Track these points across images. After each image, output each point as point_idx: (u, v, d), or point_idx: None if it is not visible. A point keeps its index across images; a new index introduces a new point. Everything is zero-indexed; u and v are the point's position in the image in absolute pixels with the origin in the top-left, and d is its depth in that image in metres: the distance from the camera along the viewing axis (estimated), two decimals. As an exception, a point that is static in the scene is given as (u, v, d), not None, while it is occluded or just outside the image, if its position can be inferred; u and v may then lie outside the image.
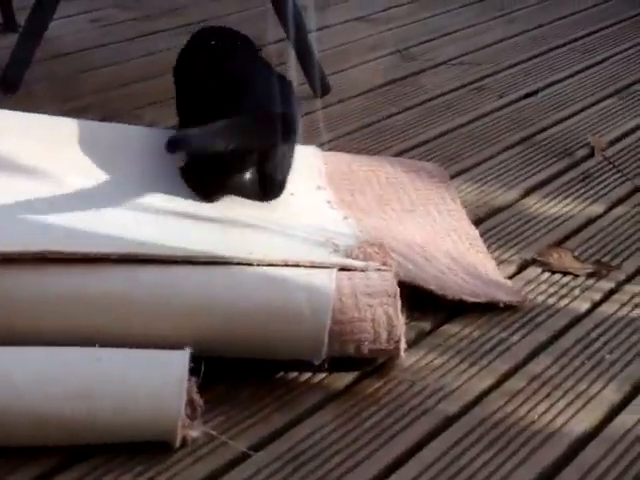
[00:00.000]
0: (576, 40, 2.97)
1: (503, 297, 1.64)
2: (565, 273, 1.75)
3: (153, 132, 1.97)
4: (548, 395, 1.44)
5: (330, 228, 1.63)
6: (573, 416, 1.40)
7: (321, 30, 2.97)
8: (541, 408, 1.42)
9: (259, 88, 1.73)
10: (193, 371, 1.31)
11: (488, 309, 1.63)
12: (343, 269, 1.47)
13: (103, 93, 2.44)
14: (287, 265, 1.44)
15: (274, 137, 1.64)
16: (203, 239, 1.53)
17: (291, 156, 1.73)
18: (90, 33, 2.88)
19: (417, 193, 1.90)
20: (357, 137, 2.26)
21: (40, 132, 1.80)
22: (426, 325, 1.60)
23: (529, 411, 1.41)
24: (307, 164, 1.88)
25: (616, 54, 2.86)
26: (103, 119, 2.24)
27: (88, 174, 1.72)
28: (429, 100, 2.50)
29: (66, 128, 1.84)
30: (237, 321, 1.39)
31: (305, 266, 1.45)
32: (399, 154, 2.18)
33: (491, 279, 1.69)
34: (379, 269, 1.48)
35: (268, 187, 1.70)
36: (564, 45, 2.93)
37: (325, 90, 2.48)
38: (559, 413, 1.41)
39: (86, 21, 2.97)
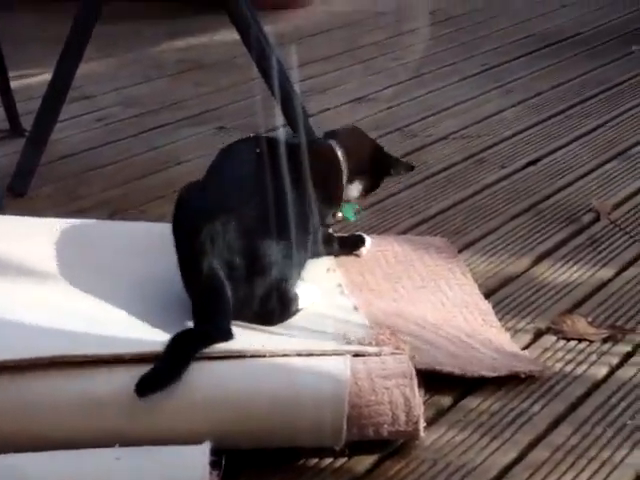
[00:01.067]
0: (573, 106, 3.00)
1: (523, 368, 1.64)
2: (580, 339, 1.75)
3: (158, 227, 1.99)
4: (572, 465, 1.43)
5: (341, 318, 1.65)
6: (599, 485, 1.39)
7: (322, 112, 3.01)
8: (566, 479, 1.40)
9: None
10: (214, 464, 1.31)
11: (506, 380, 1.62)
12: (357, 355, 1.47)
13: (109, 191, 2.47)
14: (300, 355, 1.45)
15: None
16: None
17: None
18: (95, 132, 2.93)
19: (427, 269, 1.91)
20: (364, 217, 2.27)
21: (45, 236, 1.82)
22: (445, 401, 1.59)
23: (554, 483, 1.40)
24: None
25: (613, 118, 2.89)
26: (110, 217, 2.28)
27: (94, 275, 1.74)
28: (432, 175, 2.52)
29: (71, 230, 1.87)
30: (255, 413, 1.39)
31: (318, 355, 1.46)
32: (406, 231, 2.19)
33: (507, 351, 1.69)
34: (393, 353, 1.48)
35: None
36: (562, 112, 2.96)
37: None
38: (585, 483, 1.40)
39: (91, 121, 3.02)
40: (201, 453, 1.30)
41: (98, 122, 3.01)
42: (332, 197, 1.83)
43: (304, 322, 1.63)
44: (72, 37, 2.44)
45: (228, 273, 1.58)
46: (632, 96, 3.06)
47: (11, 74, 2.83)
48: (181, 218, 1.66)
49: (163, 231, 1.93)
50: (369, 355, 1.47)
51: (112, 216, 2.28)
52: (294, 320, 1.65)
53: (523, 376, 1.63)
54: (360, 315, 1.69)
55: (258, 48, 2.47)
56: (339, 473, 1.43)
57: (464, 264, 1.98)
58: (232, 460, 1.34)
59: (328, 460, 1.45)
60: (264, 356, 1.44)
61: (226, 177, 1.69)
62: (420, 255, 1.97)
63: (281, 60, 2.61)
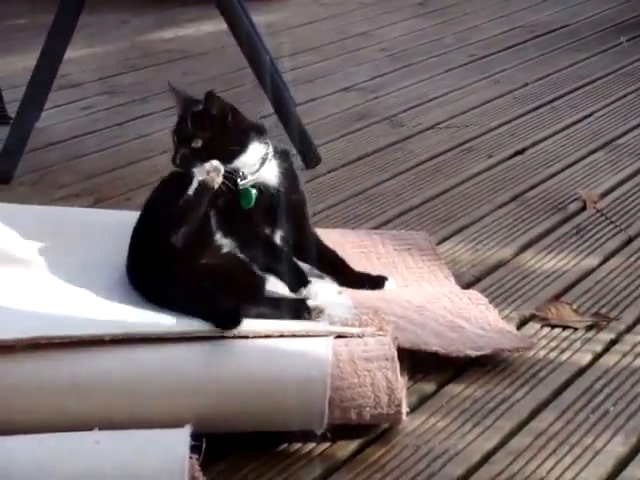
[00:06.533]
0: (560, 97, 3.00)
1: (508, 345, 1.63)
2: (565, 327, 1.75)
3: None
4: (554, 451, 1.43)
5: (325, 299, 1.63)
6: (581, 471, 1.39)
7: (310, 102, 3.01)
8: (548, 465, 1.40)
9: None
10: (194, 449, 1.30)
11: (491, 365, 1.62)
12: (340, 336, 1.46)
13: (95, 179, 2.46)
14: (283, 336, 1.44)
15: None
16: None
17: None
18: (81, 121, 2.91)
19: (409, 271, 1.88)
20: (350, 205, 2.27)
21: (28, 222, 1.81)
22: (429, 387, 1.59)
23: (536, 469, 1.40)
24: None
25: (600, 109, 2.89)
26: (94, 204, 2.27)
27: (78, 261, 1.73)
28: (419, 164, 2.52)
29: (55, 217, 1.86)
30: (236, 395, 1.39)
31: (301, 336, 1.45)
32: (392, 219, 2.19)
33: (494, 327, 1.68)
34: (376, 334, 1.48)
35: None
36: (548, 103, 2.96)
37: (316, 161, 2.50)
38: (566, 469, 1.39)
39: (77, 109, 3.01)
40: (181, 437, 1.29)
41: (84, 110, 2.99)
42: None
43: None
44: (57, 24, 2.43)
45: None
46: (619, 87, 3.06)
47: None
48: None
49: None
50: (351, 336, 1.46)
51: (97, 204, 2.28)
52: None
53: (509, 353, 1.62)
54: (344, 297, 1.68)
55: (247, 39, 2.46)
56: (322, 458, 1.43)
57: (446, 267, 1.92)
58: (212, 445, 1.33)
59: (311, 445, 1.44)
60: (247, 337, 1.43)
61: None
62: (403, 257, 1.94)
63: (269, 51, 2.61)
